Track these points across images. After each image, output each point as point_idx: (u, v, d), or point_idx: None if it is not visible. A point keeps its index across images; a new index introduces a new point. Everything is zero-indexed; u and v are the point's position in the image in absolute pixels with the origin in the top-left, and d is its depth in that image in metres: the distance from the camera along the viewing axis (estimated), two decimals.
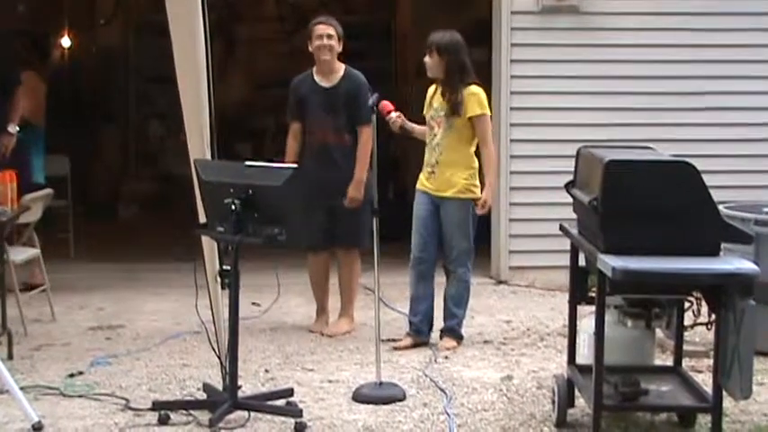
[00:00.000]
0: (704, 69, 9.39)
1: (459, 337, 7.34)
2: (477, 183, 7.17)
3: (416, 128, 7.28)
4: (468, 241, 7.21)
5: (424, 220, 7.22)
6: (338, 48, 7.56)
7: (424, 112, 7.27)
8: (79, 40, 14.52)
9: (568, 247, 5.85)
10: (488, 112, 7.16)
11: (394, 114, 7.04)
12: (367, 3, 13.94)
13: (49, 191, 8.00)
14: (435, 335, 7.38)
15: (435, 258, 7.30)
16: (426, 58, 7.14)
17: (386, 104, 7.02)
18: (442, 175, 7.14)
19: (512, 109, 9.37)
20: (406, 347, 7.16)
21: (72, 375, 6.57)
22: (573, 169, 5.85)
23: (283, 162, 7.46)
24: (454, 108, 7.06)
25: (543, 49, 9.33)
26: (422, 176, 7.26)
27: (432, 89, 7.26)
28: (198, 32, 5.95)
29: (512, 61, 9.35)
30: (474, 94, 7.08)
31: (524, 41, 9.35)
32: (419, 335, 7.27)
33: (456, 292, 7.30)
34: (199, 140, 6.08)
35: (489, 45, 9.65)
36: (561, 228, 5.92)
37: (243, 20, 14.40)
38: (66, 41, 14.21)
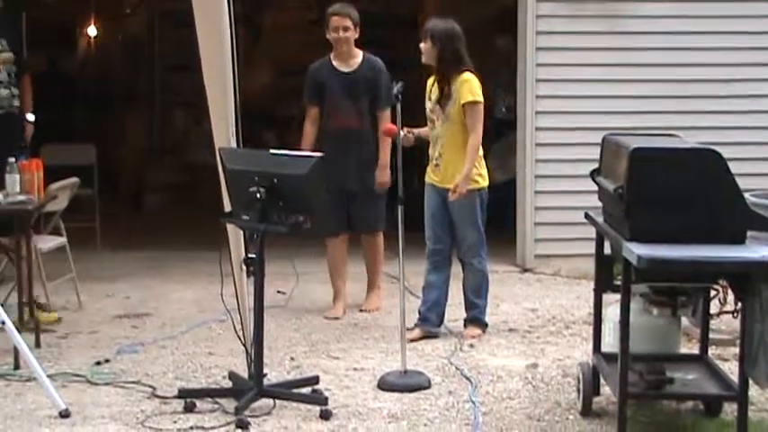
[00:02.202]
0: (731, 56, 9.35)
1: (483, 325, 7.33)
2: (483, 171, 7.15)
3: (423, 130, 7.23)
4: (477, 231, 7.17)
5: (435, 212, 7.20)
6: (355, 35, 7.64)
7: (426, 104, 7.23)
8: (105, 29, 14.58)
9: (594, 236, 5.83)
10: (480, 100, 7.03)
11: (403, 133, 6.81)
12: None
13: (75, 179, 8.03)
14: (459, 323, 7.38)
15: (450, 248, 7.28)
16: (422, 44, 7.11)
17: (391, 128, 6.89)
18: (447, 167, 7.09)
19: (537, 97, 9.35)
20: (415, 339, 7.09)
21: (99, 363, 6.60)
22: (598, 157, 5.83)
23: (300, 147, 7.52)
24: (447, 96, 7.02)
25: (569, 36, 9.31)
26: (428, 169, 7.23)
27: (430, 81, 7.22)
28: (223, 21, 5.95)
29: (537, 49, 9.33)
30: (466, 81, 7.01)
31: (550, 29, 9.33)
32: (425, 323, 7.23)
33: (474, 282, 7.28)
34: (224, 129, 6.09)
35: (515, 33, 9.63)
36: (586, 216, 5.90)
37: (267, 8, 14.43)
38: (92, 30, 14.28)
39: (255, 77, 13.20)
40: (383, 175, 7.58)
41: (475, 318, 7.32)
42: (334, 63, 7.68)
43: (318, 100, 7.72)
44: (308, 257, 8.30)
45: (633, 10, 9.33)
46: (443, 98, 7.04)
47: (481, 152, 7.14)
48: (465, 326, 7.33)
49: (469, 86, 7.01)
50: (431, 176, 7.21)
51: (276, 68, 14.01)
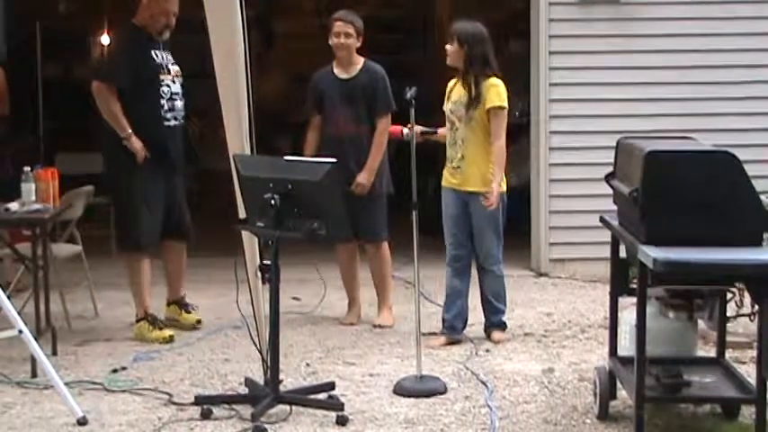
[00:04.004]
0: (745, 58, 9.32)
1: (505, 328, 7.35)
2: (504, 176, 7.14)
3: (439, 131, 7.23)
4: (498, 237, 7.17)
5: (455, 217, 7.18)
6: (356, 44, 7.61)
7: (444, 106, 7.23)
8: None
9: (609, 239, 5.82)
10: (506, 106, 7.03)
11: (405, 130, 6.93)
12: None
13: (90, 188, 8.06)
14: (473, 328, 7.38)
15: (471, 254, 7.27)
16: (448, 46, 7.11)
17: (394, 130, 7.21)
18: (469, 170, 7.07)
19: (551, 101, 9.34)
20: (441, 345, 7.12)
21: (115, 371, 6.62)
22: (613, 160, 5.83)
23: (303, 154, 7.52)
24: (474, 99, 7.02)
25: (582, 40, 9.30)
26: (446, 173, 7.21)
27: (451, 83, 7.22)
28: (236, 28, 5.97)
29: (550, 53, 9.32)
30: (494, 86, 7.02)
31: (563, 33, 9.31)
32: (453, 332, 7.23)
33: (495, 288, 7.28)
34: (238, 135, 6.10)
35: (527, 37, 9.62)
36: (602, 219, 5.90)
37: (281, 14, 14.45)
38: (105, 39, 14.30)
39: (269, 83, 13.21)
40: (364, 178, 7.50)
41: (500, 322, 7.32)
42: (335, 70, 7.69)
43: (319, 108, 7.72)
44: (322, 264, 8.30)
45: (647, 13, 9.32)
46: (469, 101, 7.03)
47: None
48: (490, 331, 7.31)
49: (497, 91, 7.01)
50: (449, 180, 7.19)
51: (289, 74, 14.02)
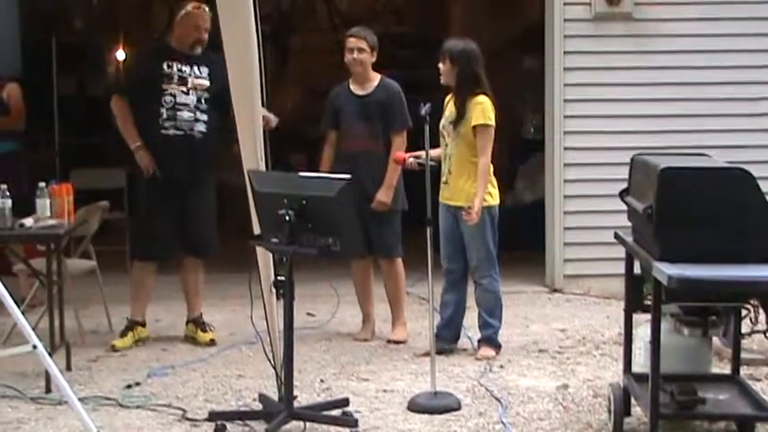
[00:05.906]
0: (759, 75, 9.32)
1: (497, 346, 7.30)
2: (493, 189, 7.16)
3: (435, 152, 7.24)
4: (487, 250, 7.16)
5: (447, 231, 7.23)
6: (371, 59, 7.65)
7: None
8: (134, 52, 14.65)
9: (623, 255, 5.82)
10: (492, 123, 7.05)
11: (411, 159, 7.17)
12: (418, 13, 13.96)
13: (105, 203, 8.08)
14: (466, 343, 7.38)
15: (465, 267, 7.28)
16: (440, 65, 7.17)
17: (399, 156, 7.26)
18: (455, 185, 7.13)
19: (565, 117, 9.34)
20: (426, 354, 7.00)
21: (129, 386, 6.62)
22: (627, 177, 5.82)
23: (319, 170, 7.54)
24: (460, 117, 7.07)
25: (596, 56, 9.29)
26: (441, 188, 7.27)
27: (447, 98, 7.27)
28: (251, 44, 5.98)
29: (565, 69, 9.32)
30: (479, 104, 7.06)
31: (577, 49, 9.32)
32: (438, 340, 7.09)
33: (486, 302, 7.26)
34: (252, 151, 6.11)
35: (541, 53, 9.63)
36: (616, 236, 5.89)
37: (296, 30, 14.49)
38: (121, 54, 14.37)
39: (284, 99, 13.24)
40: (384, 195, 7.53)
41: (488, 338, 7.29)
42: (352, 87, 7.72)
43: (336, 124, 7.74)
44: (336, 279, 8.30)
45: (661, 29, 9.31)
46: (457, 117, 7.09)
47: (492, 169, 7.15)
48: (478, 346, 7.31)
49: (482, 108, 7.05)
50: (442, 194, 7.24)
51: (304, 90, 14.06)
